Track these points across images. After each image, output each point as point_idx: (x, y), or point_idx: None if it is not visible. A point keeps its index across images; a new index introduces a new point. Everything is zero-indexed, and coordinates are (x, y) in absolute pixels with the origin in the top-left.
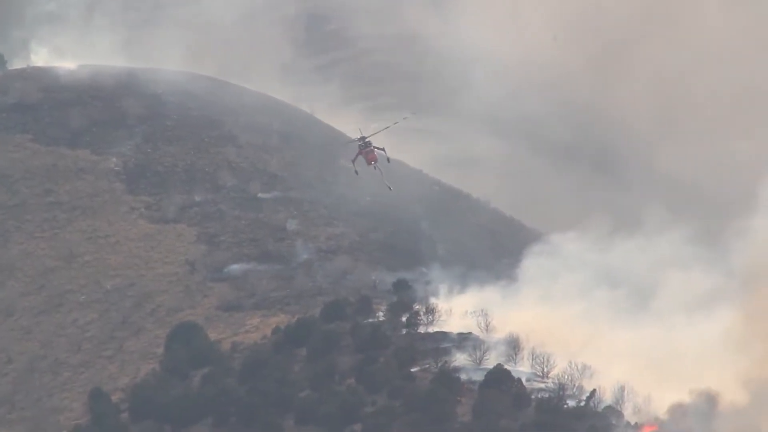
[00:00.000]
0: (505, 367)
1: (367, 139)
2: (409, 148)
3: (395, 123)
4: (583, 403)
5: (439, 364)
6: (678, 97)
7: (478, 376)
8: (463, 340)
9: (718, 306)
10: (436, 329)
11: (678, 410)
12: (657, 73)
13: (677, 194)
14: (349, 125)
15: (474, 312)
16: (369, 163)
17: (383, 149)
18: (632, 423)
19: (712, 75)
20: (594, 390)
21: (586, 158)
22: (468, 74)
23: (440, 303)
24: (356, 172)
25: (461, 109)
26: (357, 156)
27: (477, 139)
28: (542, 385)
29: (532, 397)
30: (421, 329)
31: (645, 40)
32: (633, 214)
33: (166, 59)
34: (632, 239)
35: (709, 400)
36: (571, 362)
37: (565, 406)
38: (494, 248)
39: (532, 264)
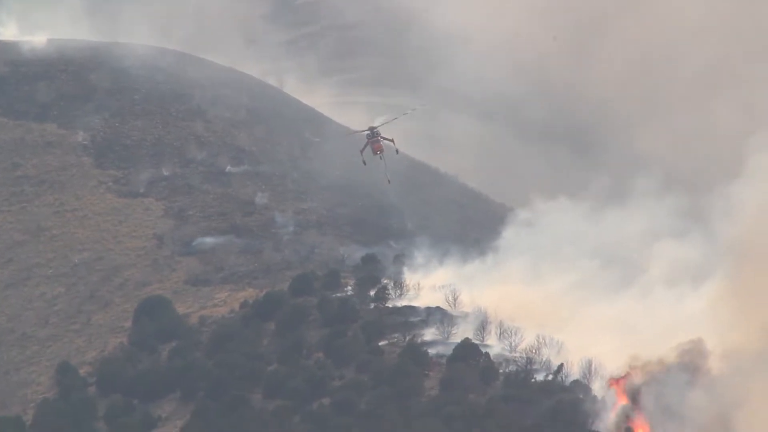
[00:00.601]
0: (473, 341)
1: (376, 129)
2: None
3: (404, 114)
4: (550, 378)
5: (407, 339)
6: (656, 74)
7: (446, 351)
8: (432, 314)
9: (701, 280)
10: (404, 304)
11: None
12: (635, 50)
13: (658, 170)
14: (318, 99)
15: (442, 286)
16: (374, 153)
17: (392, 140)
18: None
19: (689, 51)
20: (561, 364)
21: (563, 137)
22: (444, 51)
23: (408, 277)
24: (364, 162)
25: (435, 86)
26: (365, 146)
27: (450, 116)
28: (510, 359)
29: (500, 371)
30: (390, 303)
31: (622, 17)
32: (611, 190)
33: (134, 33)
34: (605, 213)
35: (698, 356)
36: (539, 336)
37: (533, 380)
38: (462, 223)
39: (501, 238)
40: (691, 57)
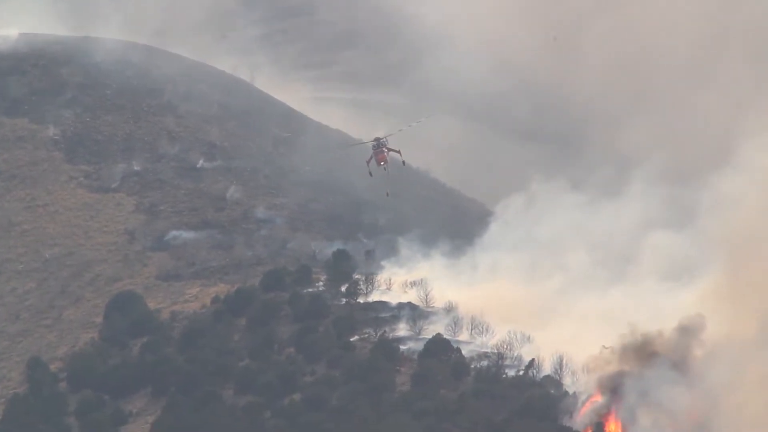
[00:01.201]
0: (445, 336)
1: (382, 140)
2: (352, 118)
3: (409, 126)
4: (522, 373)
5: (379, 334)
6: (640, 70)
7: (418, 346)
8: (403, 309)
9: (691, 272)
10: (375, 299)
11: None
12: (618, 46)
13: (645, 164)
14: (291, 95)
15: (414, 282)
16: (378, 164)
17: (399, 151)
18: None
19: (672, 45)
20: (533, 360)
21: (546, 135)
22: (425, 49)
23: (380, 273)
24: (370, 173)
25: (415, 84)
26: (371, 158)
27: (423, 113)
28: (482, 355)
29: (472, 366)
30: (361, 299)
31: (605, 14)
32: (592, 185)
33: (106, 28)
34: (586, 208)
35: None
36: (510, 332)
37: (504, 375)
38: (435, 219)
39: (474, 235)
40: (674, 51)
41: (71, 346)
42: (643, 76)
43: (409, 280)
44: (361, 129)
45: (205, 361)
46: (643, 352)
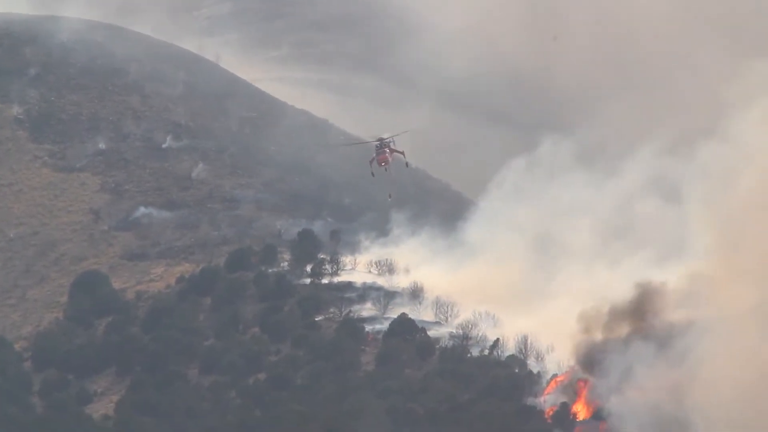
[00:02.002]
0: (409, 316)
1: (385, 140)
2: (317, 98)
3: (405, 132)
4: (486, 353)
5: (344, 314)
6: (622, 53)
7: (383, 326)
8: (368, 289)
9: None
10: (340, 279)
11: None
12: (600, 29)
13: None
14: (256, 75)
15: (379, 262)
16: (379, 164)
17: (402, 152)
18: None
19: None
20: (497, 339)
21: (524, 119)
22: (398, 33)
23: (345, 253)
24: (372, 174)
25: (386, 67)
26: (374, 158)
27: (389, 93)
28: (446, 334)
29: (436, 346)
30: (326, 279)
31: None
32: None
33: (70, 7)
34: (566, 188)
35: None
36: (474, 311)
37: (469, 355)
38: (400, 198)
39: (439, 216)
40: (655, 33)
41: (36, 326)
42: (625, 58)
43: (374, 260)
44: (328, 110)
45: (170, 340)
46: (614, 321)
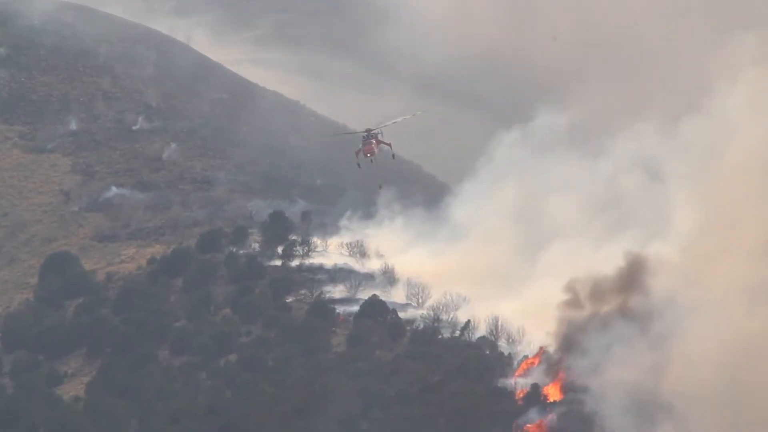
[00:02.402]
0: (381, 298)
1: (373, 131)
2: (289, 80)
3: (403, 118)
4: (457, 334)
5: (315, 295)
6: (598, 36)
7: (353, 307)
8: (339, 271)
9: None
10: (312, 260)
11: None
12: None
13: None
14: (227, 56)
15: (350, 243)
16: (365, 155)
17: (389, 144)
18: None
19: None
20: (468, 321)
21: (493, 104)
22: (372, 16)
23: (316, 234)
24: (359, 165)
25: (361, 50)
26: (360, 149)
27: (363, 77)
28: (417, 316)
29: (407, 327)
30: (297, 260)
31: None
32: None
33: None
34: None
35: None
36: (446, 293)
37: (440, 336)
38: (371, 180)
39: (410, 197)
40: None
41: (5, 307)
42: (606, 38)
43: (345, 241)
44: (299, 92)
45: (141, 321)
46: (602, 291)
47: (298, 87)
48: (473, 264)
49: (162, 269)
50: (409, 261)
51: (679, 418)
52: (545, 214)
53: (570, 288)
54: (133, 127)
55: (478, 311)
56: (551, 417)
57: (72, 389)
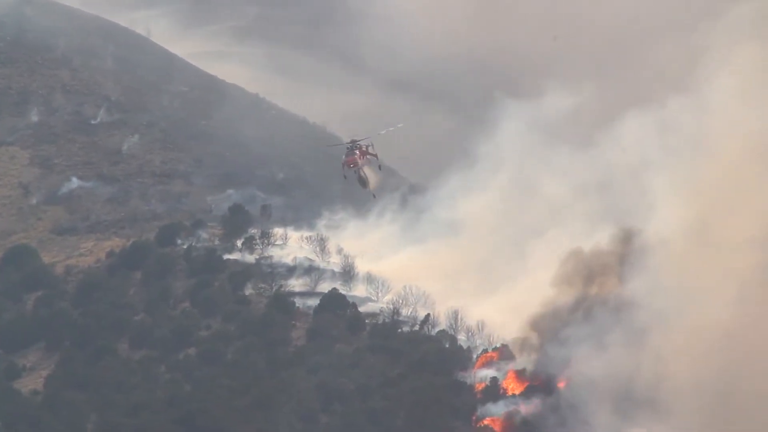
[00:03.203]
0: (340, 291)
1: (358, 142)
2: (249, 74)
3: (384, 131)
4: (417, 328)
5: (275, 289)
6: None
7: (313, 301)
8: (299, 264)
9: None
10: (271, 254)
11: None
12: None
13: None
14: (186, 49)
15: (310, 237)
16: (348, 166)
17: (376, 155)
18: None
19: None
20: (428, 315)
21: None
22: (331, 10)
23: (276, 227)
24: (345, 176)
25: (323, 45)
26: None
27: (322, 71)
28: (377, 310)
29: (367, 321)
30: (257, 254)
31: None
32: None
33: None
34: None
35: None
36: (406, 287)
37: (400, 330)
38: (331, 173)
39: (370, 190)
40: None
41: None
42: (585, 29)
43: (305, 235)
44: (259, 85)
45: (100, 315)
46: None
47: (258, 81)
48: (444, 259)
49: (121, 262)
50: (376, 257)
51: (662, 409)
52: (531, 208)
53: (566, 262)
54: (93, 121)
55: (442, 306)
56: (517, 409)
57: (31, 383)
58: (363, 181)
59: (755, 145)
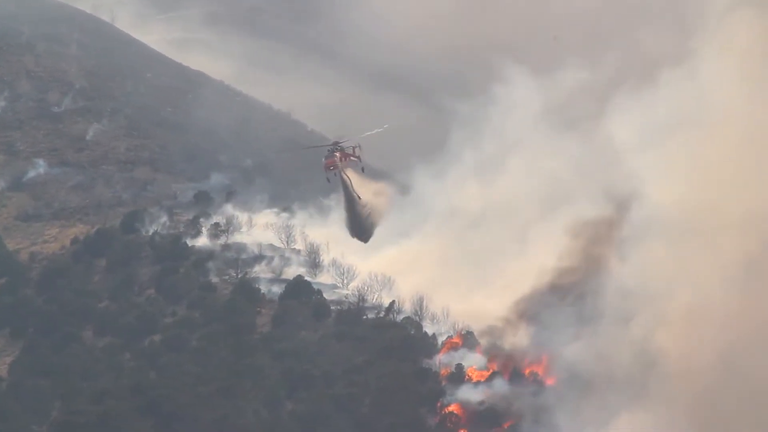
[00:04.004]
0: (306, 278)
1: (340, 144)
2: (213, 60)
3: (369, 133)
4: (382, 314)
5: (240, 275)
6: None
7: (279, 288)
8: (264, 251)
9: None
10: (236, 240)
11: None
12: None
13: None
14: (151, 36)
15: (275, 224)
16: (327, 168)
17: (358, 158)
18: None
19: None
20: (393, 301)
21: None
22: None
23: (241, 214)
24: (328, 180)
25: (289, 33)
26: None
27: (291, 57)
28: (342, 297)
29: (332, 308)
30: (222, 240)
31: None
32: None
33: None
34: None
35: None
36: (371, 274)
37: (365, 317)
38: (296, 160)
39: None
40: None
41: None
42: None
43: (270, 221)
44: (223, 72)
45: (65, 302)
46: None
47: (223, 68)
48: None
49: (86, 249)
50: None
51: (648, 395)
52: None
53: (571, 230)
54: (57, 107)
55: (408, 291)
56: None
57: None
58: (345, 186)
59: (754, 123)
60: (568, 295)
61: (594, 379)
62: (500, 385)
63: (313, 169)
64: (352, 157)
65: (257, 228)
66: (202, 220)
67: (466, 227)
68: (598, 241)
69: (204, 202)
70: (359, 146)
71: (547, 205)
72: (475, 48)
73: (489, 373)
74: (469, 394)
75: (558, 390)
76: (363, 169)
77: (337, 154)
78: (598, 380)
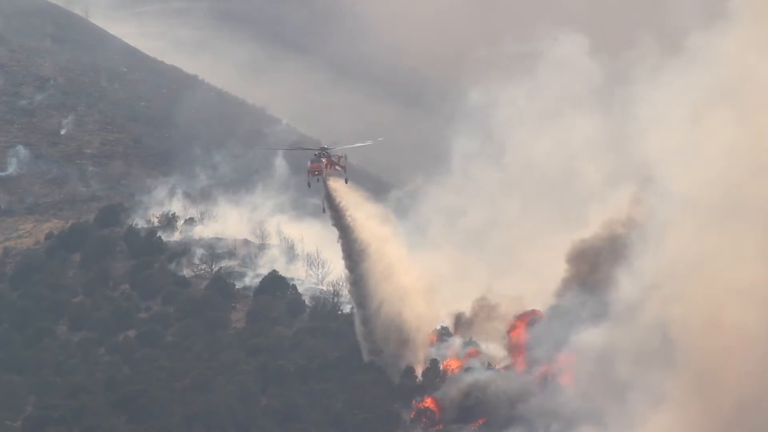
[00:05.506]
0: (280, 273)
1: (327, 150)
2: (188, 55)
3: (360, 144)
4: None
5: (214, 270)
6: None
7: (254, 282)
8: (239, 246)
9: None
10: (211, 235)
11: None
12: None
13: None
14: (124, 30)
15: (250, 218)
16: (311, 174)
17: (344, 167)
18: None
19: None
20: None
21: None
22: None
23: (216, 209)
24: (309, 184)
25: (255, 24)
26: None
27: (264, 57)
28: (317, 292)
29: (307, 303)
30: (197, 235)
31: None
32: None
33: None
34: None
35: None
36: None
37: (340, 312)
38: (271, 155)
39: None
40: None
41: None
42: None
43: (245, 216)
44: (197, 66)
45: (39, 297)
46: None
47: (197, 62)
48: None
49: (60, 244)
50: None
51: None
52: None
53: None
54: (30, 101)
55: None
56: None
57: None
58: (329, 196)
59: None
60: (585, 287)
61: (615, 377)
62: (475, 378)
63: (291, 168)
64: (337, 167)
65: (232, 223)
66: (176, 215)
67: (460, 229)
68: (619, 228)
69: (178, 196)
70: (345, 157)
71: (566, 194)
72: (475, 48)
73: (464, 367)
74: (445, 388)
75: (575, 389)
76: (347, 181)
77: (324, 160)
78: (619, 377)
